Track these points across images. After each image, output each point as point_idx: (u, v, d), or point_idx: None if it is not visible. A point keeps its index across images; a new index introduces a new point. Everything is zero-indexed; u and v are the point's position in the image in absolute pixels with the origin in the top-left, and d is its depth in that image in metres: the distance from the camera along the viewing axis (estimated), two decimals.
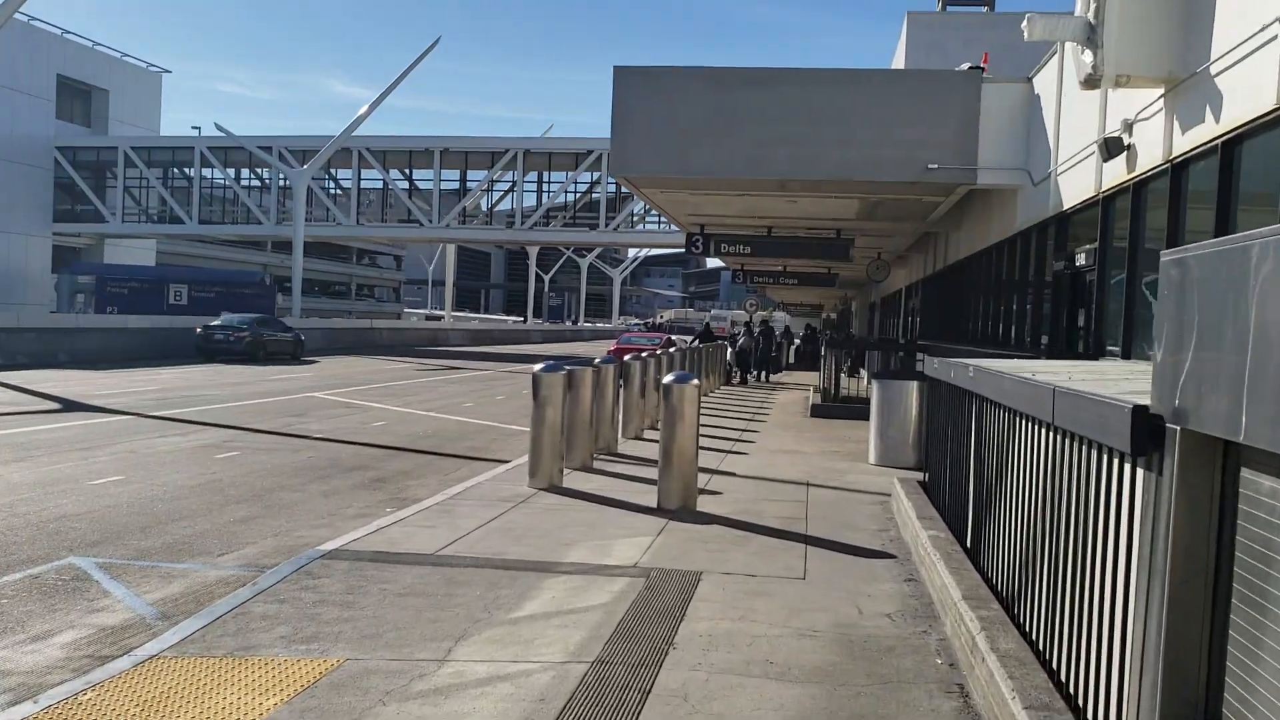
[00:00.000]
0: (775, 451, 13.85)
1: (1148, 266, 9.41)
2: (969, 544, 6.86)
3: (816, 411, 19.42)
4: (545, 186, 55.15)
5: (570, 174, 53.71)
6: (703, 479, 10.88)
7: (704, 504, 9.44)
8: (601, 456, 12.57)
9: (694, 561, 7.20)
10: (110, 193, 57.86)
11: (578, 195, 55.68)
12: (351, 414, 18.24)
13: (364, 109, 49.94)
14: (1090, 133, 10.99)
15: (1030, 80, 14.31)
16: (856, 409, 18.42)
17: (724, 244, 21.08)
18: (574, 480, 10.59)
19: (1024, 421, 5.12)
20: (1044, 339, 13.39)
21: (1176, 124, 8.36)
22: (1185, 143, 8.17)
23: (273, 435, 14.76)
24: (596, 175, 52.80)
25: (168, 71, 71.13)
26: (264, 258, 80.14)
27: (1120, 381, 4.91)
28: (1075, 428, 4.03)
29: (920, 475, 10.09)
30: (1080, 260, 11.32)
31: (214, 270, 62.43)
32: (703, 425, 17.48)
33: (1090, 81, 8.57)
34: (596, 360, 13.29)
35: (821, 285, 36.88)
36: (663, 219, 32.30)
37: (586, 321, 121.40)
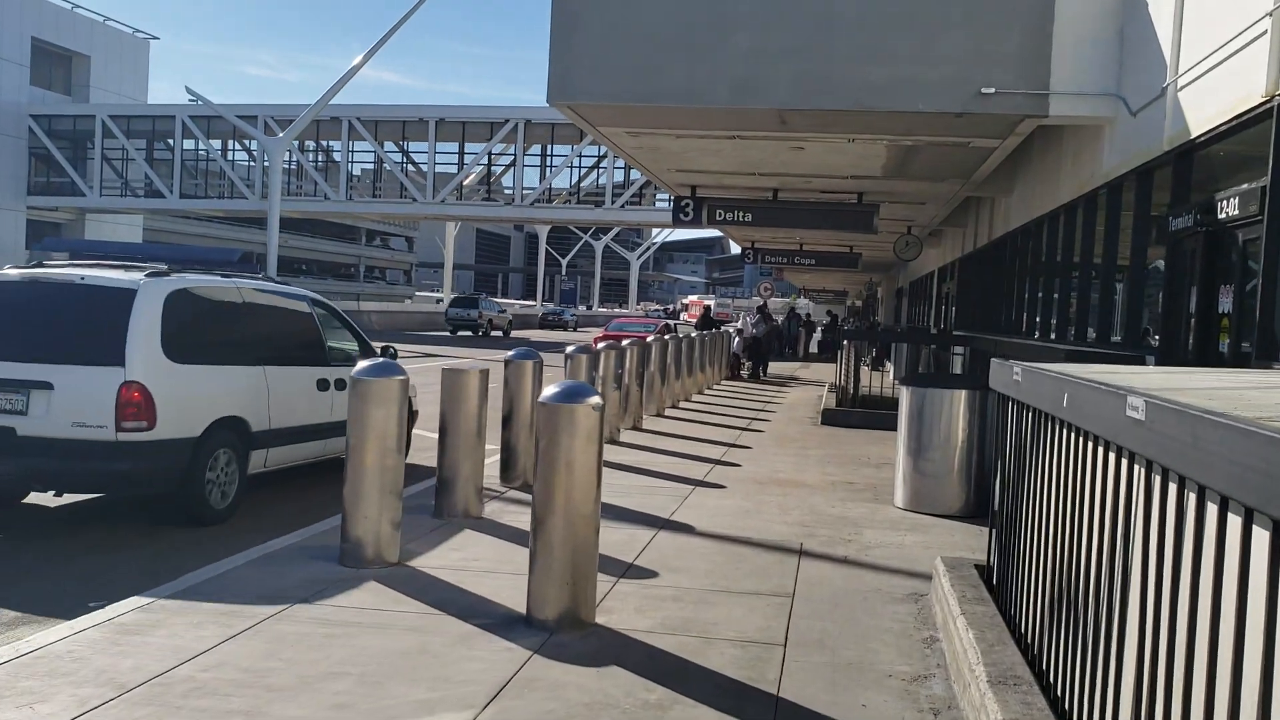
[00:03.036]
0: (765, 483, 9.95)
1: None
2: None
3: (828, 418, 15.46)
4: (549, 161, 51.18)
5: (575, 147, 49.69)
6: (641, 539, 7.04)
7: (616, 602, 5.59)
8: (511, 492, 8.76)
9: None
10: (89, 164, 54.42)
11: (583, 170, 51.68)
12: None
13: (358, 59, 45.41)
14: (1252, 8, 7.03)
15: None
16: (880, 416, 14.51)
17: (720, 210, 17.12)
18: (433, 545, 6.76)
19: None
20: (1151, 335, 9.44)
21: None
22: None
23: None
24: (604, 149, 48.75)
25: (155, 38, 67.25)
26: (263, 236, 76.60)
27: None
28: None
29: (980, 549, 6.24)
30: (1228, 211, 7.36)
31: (192, 247, 58.80)
32: (683, 436, 13.65)
33: None
34: (511, 353, 9.49)
35: (843, 267, 32.73)
36: None
37: (602, 307, 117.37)
